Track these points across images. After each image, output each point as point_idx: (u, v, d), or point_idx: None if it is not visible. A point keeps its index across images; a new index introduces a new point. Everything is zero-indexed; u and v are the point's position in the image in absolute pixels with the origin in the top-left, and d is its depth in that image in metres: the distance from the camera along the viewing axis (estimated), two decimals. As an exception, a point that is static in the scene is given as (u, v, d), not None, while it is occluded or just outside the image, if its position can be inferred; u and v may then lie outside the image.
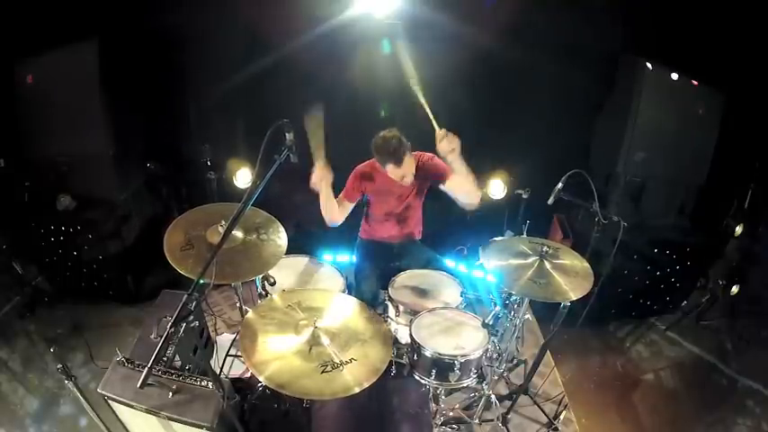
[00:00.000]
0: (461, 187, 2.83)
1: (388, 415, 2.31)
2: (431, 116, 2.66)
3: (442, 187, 2.95)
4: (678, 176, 3.57)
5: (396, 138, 2.72)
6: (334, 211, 2.88)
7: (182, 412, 1.92)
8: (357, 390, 1.85)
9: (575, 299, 2.38)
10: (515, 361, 3.26)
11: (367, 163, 3.00)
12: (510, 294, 2.76)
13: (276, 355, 1.93)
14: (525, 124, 3.82)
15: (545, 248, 2.51)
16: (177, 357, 2.39)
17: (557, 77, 3.53)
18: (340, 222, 2.96)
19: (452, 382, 2.50)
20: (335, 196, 2.87)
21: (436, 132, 2.64)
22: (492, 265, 2.51)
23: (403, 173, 2.79)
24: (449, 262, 3.35)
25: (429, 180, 3.01)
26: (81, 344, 3.33)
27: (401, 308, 2.72)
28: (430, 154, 2.97)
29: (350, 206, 2.99)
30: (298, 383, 1.83)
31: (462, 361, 2.43)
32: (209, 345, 2.92)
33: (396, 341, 2.75)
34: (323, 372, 1.88)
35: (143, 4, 3.38)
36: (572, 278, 2.42)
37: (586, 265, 2.52)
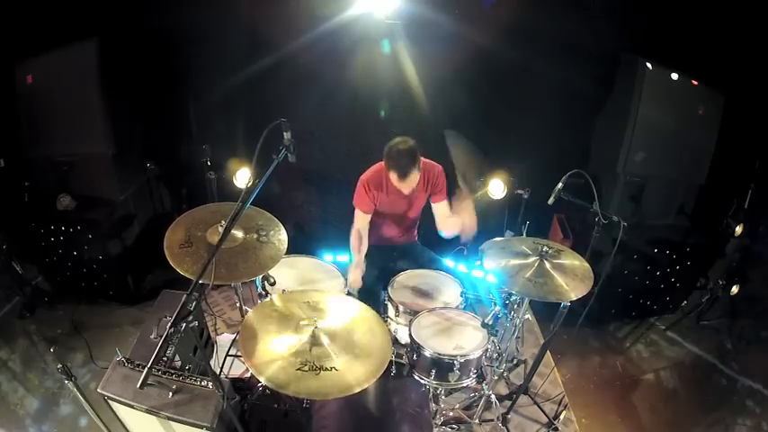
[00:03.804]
0: (443, 217, 3.02)
1: (388, 415, 2.31)
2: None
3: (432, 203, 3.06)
4: (678, 176, 3.56)
5: (409, 154, 2.69)
6: (364, 241, 2.97)
7: (182, 412, 1.93)
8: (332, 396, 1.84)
9: (572, 300, 2.38)
10: (515, 361, 3.26)
11: (372, 169, 2.98)
12: (510, 294, 2.76)
13: (275, 355, 1.92)
14: (525, 124, 3.81)
15: (545, 248, 2.51)
16: (177, 357, 2.38)
17: (557, 77, 3.53)
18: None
19: (452, 382, 2.50)
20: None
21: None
22: (491, 266, 2.51)
23: (405, 186, 2.79)
24: (449, 262, 3.35)
25: (428, 191, 3.04)
26: (81, 344, 3.34)
27: (401, 308, 2.72)
28: (440, 167, 3.03)
29: (368, 217, 3.00)
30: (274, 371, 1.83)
31: (462, 361, 2.43)
32: (209, 345, 2.92)
33: (396, 341, 2.76)
34: (297, 369, 1.84)
35: (143, 5, 3.38)
36: (571, 279, 2.42)
37: (587, 266, 2.51)
